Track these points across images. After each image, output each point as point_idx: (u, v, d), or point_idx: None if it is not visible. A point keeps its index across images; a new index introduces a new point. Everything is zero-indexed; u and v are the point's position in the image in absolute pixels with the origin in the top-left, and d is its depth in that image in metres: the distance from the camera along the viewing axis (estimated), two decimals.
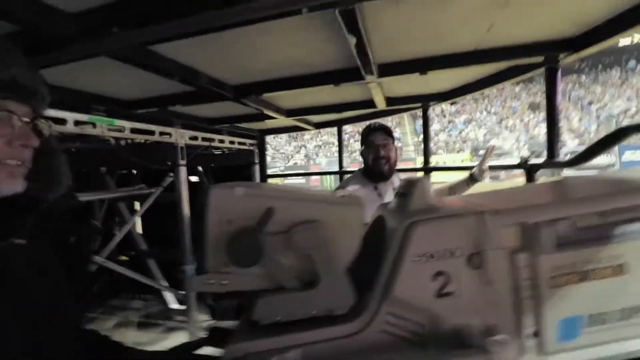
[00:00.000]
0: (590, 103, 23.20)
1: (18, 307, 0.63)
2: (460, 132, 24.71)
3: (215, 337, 0.92)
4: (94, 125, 1.98)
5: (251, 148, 3.82)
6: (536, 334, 0.57)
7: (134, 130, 2.22)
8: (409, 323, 0.54)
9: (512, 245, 0.56)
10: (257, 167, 3.92)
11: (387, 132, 1.66)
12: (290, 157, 26.66)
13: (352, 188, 1.61)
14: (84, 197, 2.22)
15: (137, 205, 4.01)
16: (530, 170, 1.71)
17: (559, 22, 1.24)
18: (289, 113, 2.69)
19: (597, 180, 0.85)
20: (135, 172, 4.60)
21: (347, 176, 4.01)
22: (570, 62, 1.54)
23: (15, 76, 0.61)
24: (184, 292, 2.71)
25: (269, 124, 3.36)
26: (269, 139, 4.09)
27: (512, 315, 0.55)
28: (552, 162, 1.60)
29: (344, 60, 1.48)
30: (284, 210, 0.53)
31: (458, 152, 21.06)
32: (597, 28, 1.27)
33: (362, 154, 1.71)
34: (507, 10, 1.09)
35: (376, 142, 1.62)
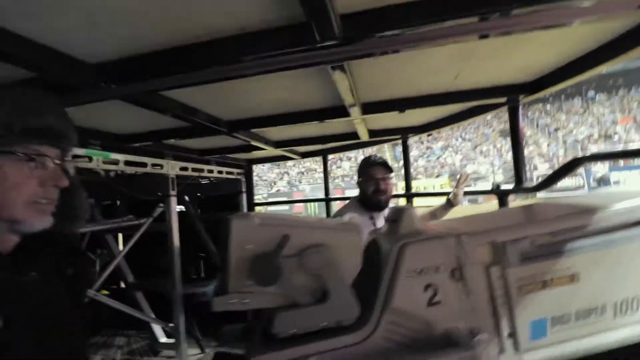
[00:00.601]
0: (556, 129, 24.78)
1: (37, 341, 0.68)
2: (438, 158, 25.64)
3: None
4: (89, 158, 2.03)
5: (239, 177, 3.91)
6: (511, 335, 0.68)
7: (127, 163, 2.28)
8: (406, 329, 0.64)
9: (485, 261, 0.68)
10: (244, 196, 3.99)
11: (387, 166, 1.79)
12: (273, 184, 26.64)
13: (350, 215, 1.71)
14: (82, 230, 2.22)
15: (119, 236, 3.95)
16: (502, 195, 1.89)
17: (515, 70, 1.46)
18: (277, 144, 2.83)
19: (555, 204, 1.00)
20: (119, 202, 4.55)
21: (336, 203, 4.12)
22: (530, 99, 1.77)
23: (51, 124, 0.68)
24: (172, 325, 2.66)
25: (256, 154, 3.48)
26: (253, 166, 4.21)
27: (491, 319, 0.67)
28: (520, 188, 1.78)
29: (331, 99, 1.64)
30: (296, 236, 0.63)
31: (436, 177, 21.75)
32: (547, 76, 1.50)
33: (360, 184, 1.82)
34: (470, 61, 1.29)
35: (376, 175, 1.73)
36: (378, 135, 2.67)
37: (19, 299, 0.67)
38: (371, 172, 1.75)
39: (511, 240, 0.69)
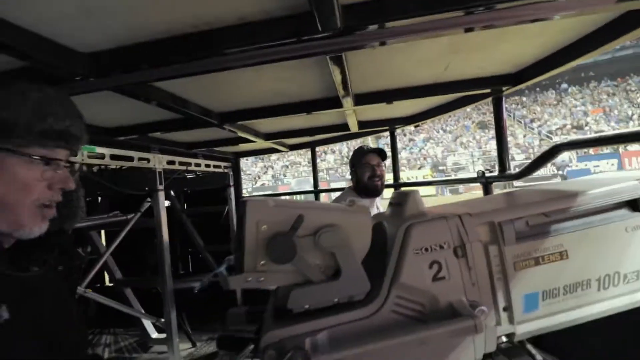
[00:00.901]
0: (532, 121, 25.68)
1: (43, 334, 0.68)
2: (420, 150, 26.11)
3: (226, 343, 1.00)
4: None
5: (226, 171, 3.88)
6: (506, 308, 0.74)
7: (113, 157, 2.23)
8: (413, 303, 0.68)
9: (484, 239, 0.73)
10: (232, 190, 3.97)
11: (381, 153, 1.85)
12: (257, 177, 26.45)
13: (351, 199, 1.78)
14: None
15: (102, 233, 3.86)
16: (487, 183, 1.97)
17: (500, 63, 1.53)
18: (267, 136, 2.83)
19: (540, 190, 1.07)
20: (100, 198, 4.42)
21: (323, 195, 4.14)
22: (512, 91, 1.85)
23: (69, 127, 0.67)
24: (164, 320, 2.64)
25: (244, 147, 3.46)
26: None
27: (489, 293, 0.72)
28: (504, 175, 1.87)
29: (324, 90, 1.66)
30: (310, 217, 0.66)
31: (419, 168, 22.19)
32: (530, 67, 1.58)
33: (355, 172, 1.87)
34: (460, 54, 1.35)
35: (372, 162, 1.82)
36: (367, 127, 2.71)
37: (22, 293, 0.67)
38: (367, 160, 1.82)
39: (508, 220, 0.74)
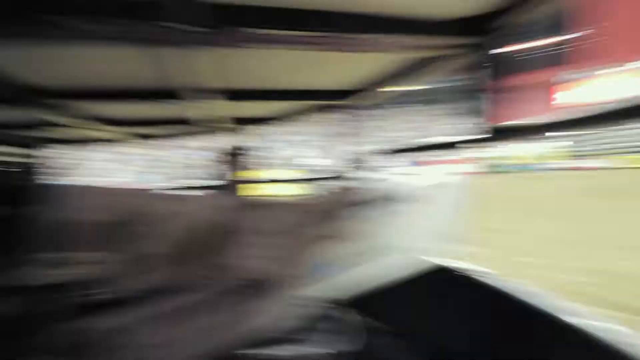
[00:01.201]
0: (384, 133, 30.62)
1: None
2: (274, 150, 27.16)
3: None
4: None
5: (27, 162, 3.01)
6: (305, 276, 0.91)
7: None
8: (225, 280, 0.76)
9: (292, 222, 0.89)
10: (40, 187, 3.12)
11: (237, 153, 1.99)
12: (110, 173, 21.67)
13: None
14: None
15: None
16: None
17: (339, 79, 1.81)
18: (94, 122, 2.38)
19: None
20: None
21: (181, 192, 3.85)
22: (371, 100, 2.19)
23: None
24: None
25: (69, 133, 2.79)
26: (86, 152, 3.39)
27: (293, 265, 0.88)
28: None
29: (163, 79, 1.55)
30: (127, 204, 0.64)
31: (275, 168, 23.11)
32: (365, 85, 1.91)
33: (218, 169, 1.96)
34: (310, 68, 1.55)
35: (227, 160, 1.94)
36: (219, 123, 2.67)
37: None
38: (225, 158, 1.95)
39: (318, 210, 0.94)
